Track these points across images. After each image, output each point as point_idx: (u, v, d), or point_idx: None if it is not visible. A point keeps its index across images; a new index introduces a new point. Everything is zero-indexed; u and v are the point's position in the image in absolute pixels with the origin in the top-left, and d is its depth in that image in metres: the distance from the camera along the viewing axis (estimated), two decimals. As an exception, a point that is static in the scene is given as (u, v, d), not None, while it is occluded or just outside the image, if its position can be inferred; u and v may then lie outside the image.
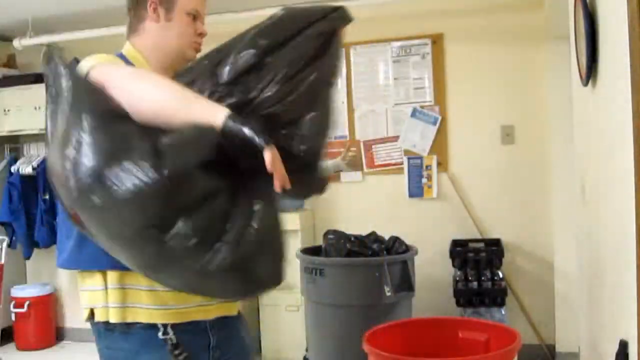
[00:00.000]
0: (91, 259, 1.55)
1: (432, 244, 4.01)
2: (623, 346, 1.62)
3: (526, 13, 4.02)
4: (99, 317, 1.60)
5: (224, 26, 4.93)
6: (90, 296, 1.62)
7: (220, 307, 1.63)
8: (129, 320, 1.55)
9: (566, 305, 3.84)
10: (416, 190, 4.20)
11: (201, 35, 1.78)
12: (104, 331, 1.60)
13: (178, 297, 1.53)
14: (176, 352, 1.53)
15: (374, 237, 3.68)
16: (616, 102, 1.67)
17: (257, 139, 1.24)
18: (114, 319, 1.56)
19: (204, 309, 1.59)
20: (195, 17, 1.76)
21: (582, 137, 2.48)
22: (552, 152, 3.96)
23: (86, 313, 1.64)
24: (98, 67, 1.39)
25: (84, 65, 1.42)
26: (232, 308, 1.70)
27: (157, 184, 1.18)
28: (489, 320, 3.44)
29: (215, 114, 1.26)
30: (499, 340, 2.27)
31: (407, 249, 3.59)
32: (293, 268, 3.48)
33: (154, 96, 1.32)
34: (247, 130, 1.24)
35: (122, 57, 1.74)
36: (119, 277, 1.55)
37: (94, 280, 1.60)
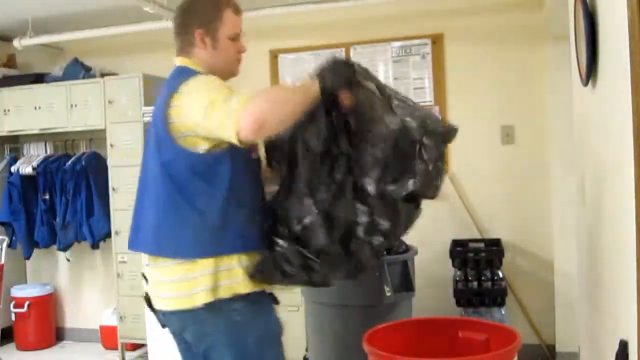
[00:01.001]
0: (233, 244, 1.90)
1: (432, 244, 4.01)
2: (623, 346, 1.62)
3: (526, 13, 4.02)
4: (228, 292, 1.88)
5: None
6: (217, 277, 1.87)
7: None
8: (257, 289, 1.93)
9: (566, 305, 3.84)
10: (416, 190, 4.20)
11: (241, 52, 2.07)
12: (231, 302, 1.89)
13: None
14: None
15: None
16: (616, 102, 1.67)
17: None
18: (249, 289, 1.90)
19: None
20: (235, 39, 2.04)
21: (582, 137, 2.48)
22: (552, 152, 3.95)
23: (206, 295, 1.86)
24: (246, 105, 1.74)
25: (225, 100, 1.79)
26: None
27: None
28: (489, 320, 3.44)
29: (313, 86, 1.87)
30: (499, 340, 2.27)
31: (407, 249, 3.58)
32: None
33: (290, 106, 1.82)
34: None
35: (194, 70, 1.98)
36: (251, 257, 1.92)
37: (218, 263, 1.88)
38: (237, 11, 2.03)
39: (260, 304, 1.96)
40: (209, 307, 1.86)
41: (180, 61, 2.04)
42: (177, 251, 1.90)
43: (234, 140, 1.75)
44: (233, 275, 1.88)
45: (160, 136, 1.92)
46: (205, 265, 1.86)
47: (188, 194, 1.88)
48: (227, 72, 2.05)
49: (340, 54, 4.35)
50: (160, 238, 1.93)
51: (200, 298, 1.85)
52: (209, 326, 1.90)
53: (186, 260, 1.88)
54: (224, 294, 1.86)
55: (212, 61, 2.01)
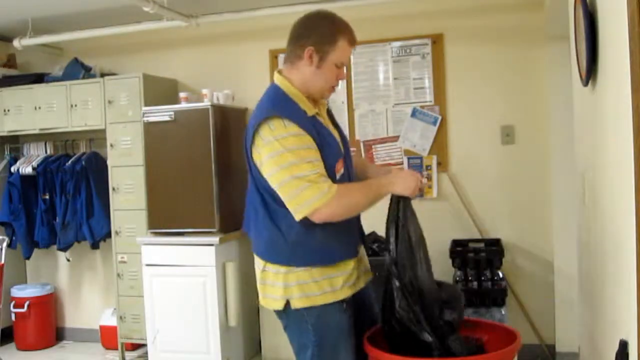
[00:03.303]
0: (305, 259, 2.14)
1: (432, 244, 3.96)
2: (623, 346, 1.62)
3: (526, 13, 4.02)
4: (298, 304, 2.14)
5: (225, 25, 4.94)
6: (288, 290, 2.14)
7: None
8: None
9: (566, 305, 3.84)
10: (416, 190, 4.20)
11: (340, 79, 2.18)
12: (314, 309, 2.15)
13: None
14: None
15: (373, 237, 3.68)
16: (616, 102, 1.67)
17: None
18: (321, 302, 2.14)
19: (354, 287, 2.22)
20: (339, 67, 2.15)
21: (582, 137, 2.48)
22: (552, 152, 3.96)
23: (277, 303, 2.18)
24: (323, 212, 2.03)
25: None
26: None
27: None
28: (489, 320, 3.44)
29: (386, 190, 2.15)
30: (499, 340, 2.27)
31: (407, 249, 3.57)
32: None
33: (358, 208, 2.16)
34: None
35: (283, 94, 2.13)
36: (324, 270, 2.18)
37: (289, 276, 2.13)
38: (352, 43, 2.15)
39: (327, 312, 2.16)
40: (279, 312, 2.19)
41: (277, 79, 2.18)
42: (259, 252, 2.21)
43: (299, 218, 2.04)
44: (305, 289, 2.11)
45: (248, 157, 2.15)
46: (278, 277, 2.13)
47: (271, 210, 2.11)
48: (319, 92, 2.18)
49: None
50: (254, 239, 2.24)
51: (272, 304, 2.20)
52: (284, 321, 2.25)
53: (265, 267, 2.17)
54: (296, 304, 2.13)
55: (311, 79, 2.13)
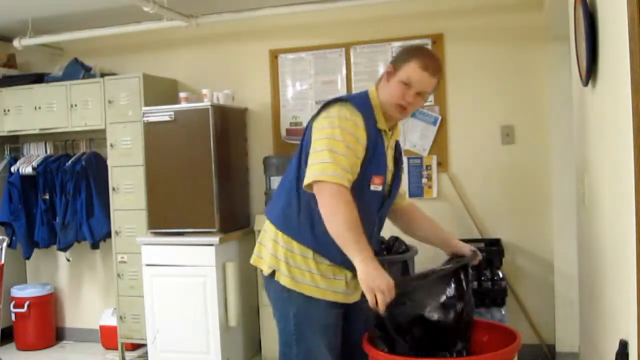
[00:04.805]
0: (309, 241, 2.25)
1: (432, 244, 4.00)
2: (623, 346, 1.62)
3: (526, 13, 4.02)
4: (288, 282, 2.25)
5: (225, 25, 4.93)
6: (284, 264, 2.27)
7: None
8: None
9: (566, 305, 3.84)
10: (416, 190, 4.21)
11: (405, 101, 2.24)
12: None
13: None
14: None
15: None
16: (616, 102, 1.67)
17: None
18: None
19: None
20: (408, 86, 2.22)
21: (582, 137, 2.48)
22: (552, 152, 3.96)
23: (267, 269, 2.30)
24: (327, 187, 2.09)
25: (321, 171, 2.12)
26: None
27: None
28: (489, 320, 3.44)
29: (355, 258, 2.03)
30: (499, 340, 2.27)
31: (407, 248, 3.58)
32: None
33: (337, 226, 2.07)
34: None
35: (367, 99, 2.30)
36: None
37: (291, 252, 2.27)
38: (424, 68, 2.21)
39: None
40: (265, 277, 2.32)
41: (370, 88, 2.35)
42: (272, 216, 2.32)
43: (306, 182, 2.14)
44: (291, 271, 2.22)
45: (307, 127, 2.30)
46: (276, 246, 2.26)
47: (300, 177, 2.21)
48: (387, 108, 2.28)
49: (341, 54, 4.36)
50: (273, 202, 2.38)
51: (262, 265, 2.32)
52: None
53: (273, 234, 2.29)
54: (280, 279, 2.24)
55: (381, 92, 2.28)
